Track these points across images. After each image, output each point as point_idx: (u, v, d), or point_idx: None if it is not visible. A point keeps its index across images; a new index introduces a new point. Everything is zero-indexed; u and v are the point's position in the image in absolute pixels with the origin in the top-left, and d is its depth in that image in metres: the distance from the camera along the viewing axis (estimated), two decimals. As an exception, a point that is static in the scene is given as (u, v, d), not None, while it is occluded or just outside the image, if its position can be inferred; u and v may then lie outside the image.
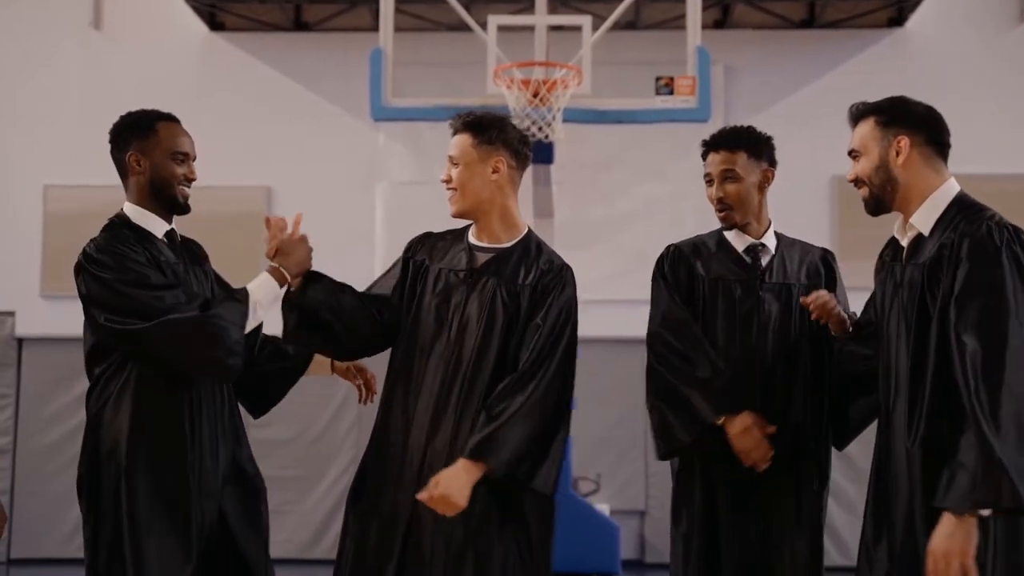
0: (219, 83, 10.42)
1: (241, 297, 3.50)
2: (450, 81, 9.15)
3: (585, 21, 7.75)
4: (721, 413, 3.62)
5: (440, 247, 3.62)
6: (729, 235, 3.88)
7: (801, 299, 3.66)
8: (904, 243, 3.29)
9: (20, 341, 10.51)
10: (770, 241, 3.89)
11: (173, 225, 3.66)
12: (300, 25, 10.81)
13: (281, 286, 3.53)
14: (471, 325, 3.44)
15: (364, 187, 10.31)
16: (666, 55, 8.78)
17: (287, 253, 3.53)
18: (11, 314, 10.50)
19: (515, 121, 7.47)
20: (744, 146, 3.86)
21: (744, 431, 3.60)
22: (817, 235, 10.29)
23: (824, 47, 10.64)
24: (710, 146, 3.88)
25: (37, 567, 10.12)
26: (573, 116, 7.59)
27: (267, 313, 3.58)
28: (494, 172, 3.52)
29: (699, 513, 3.73)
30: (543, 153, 7.90)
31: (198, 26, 10.67)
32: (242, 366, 3.45)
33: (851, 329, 3.68)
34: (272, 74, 10.46)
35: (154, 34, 10.70)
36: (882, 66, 10.45)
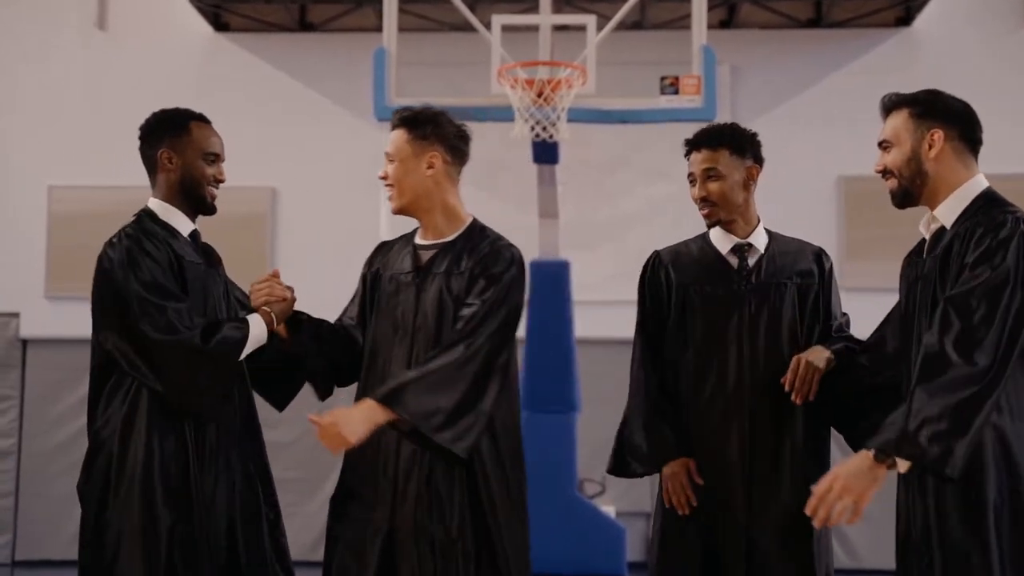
0: (223, 84, 10.40)
1: (242, 330, 3.48)
2: (454, 81, 9.12)
3: (590, 20, 7.71)
4: (651, 465, 3.67)
5: (392, 254, 3.64)
6: (715, 236, 3.80)
7: (782, 380, 3.54)
8: (927, 236, 3.28)
9: (24, 342, 10.49)
10: (759, 240, 3.78)
11: (196, 225, 3.67)
12: (305, 25, 10.79)
13: (267, 328, 3.52)
14: (424, 323, 3.44)
15: (369, 187, 10.20)
16: (672, 55, 8.73)
17: (276, 302, 3.54)
18: (15, 315, 10.48)
19: (519, 121, 7.49)
20: (726, 143, 3.78)
21: (671, 476, 3.63)
22: (823, 236, 10.28)
23: (831, 47, 10.59)
24: (692, 145, 3.81)
25: (41, 569, 10.10)
26: (578, 116, 7.55)
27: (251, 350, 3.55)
28: (429, 167, 3.52)
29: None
30: (548, 153, 7.86)
31: (202, 26, 10.65)
32: (221, 408, 3.48)
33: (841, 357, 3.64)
34: (277, 74, 10.43)
35: (158, 34, 10.68)
36: (889, 66, 10.40)
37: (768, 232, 3.83)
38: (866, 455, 2.92)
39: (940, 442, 2.84)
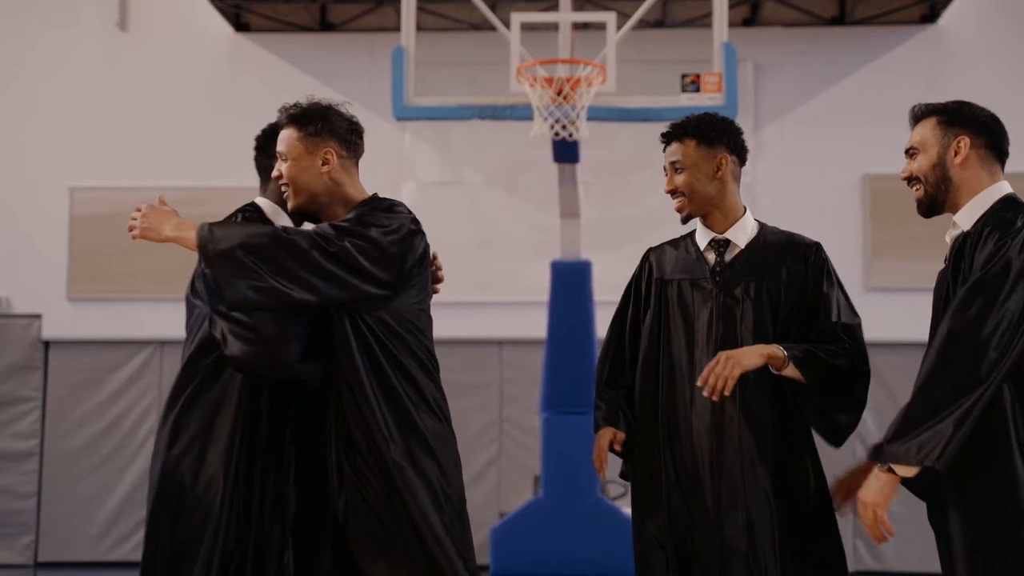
0: (244, 84, 10.39)
1: None
2: (476, 80, 9.08)
3: (610, 18, 7.63)
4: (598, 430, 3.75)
5: None
6: (698, 231, 3.71)
7: (701, 377, 3.42)
8: (948, 241, 3.27)
9: (47, 344, 10.50)
10: (738, 234, 3.64)
11: None
12: (325, 25, 10.78)
13: None
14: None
15: (391, 188, 10.15)
16: (694, 53, 8.67)
17: None
18: (37, 317, 10.49)
19: (539, 119, 7.42)
20: (693, 134, 3.66)
21: (597, 442, 3.74)
22: (848, 234, 10.28)
23: (855, 44, 10.50)
24: (663, 138, 3.73)
25: (64, 570, 10.11)
26: (598, 114, 7.48)
27: None
28: (324, 164, 3.44)
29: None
30: (568, 152, 7.79)
31: (223, 27, 10.64)
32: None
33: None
34: (297, 74, 10.41)
35: (179, 35, 10.68)
36: (914, 63, 10.31)
37: (760, 225, 3.70)
38: (873, 468, 3.04)
39: (933, 447, 2.91)
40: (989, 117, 3.29)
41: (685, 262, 3.68)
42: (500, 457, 10.31)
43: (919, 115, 3.33)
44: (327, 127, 3.46)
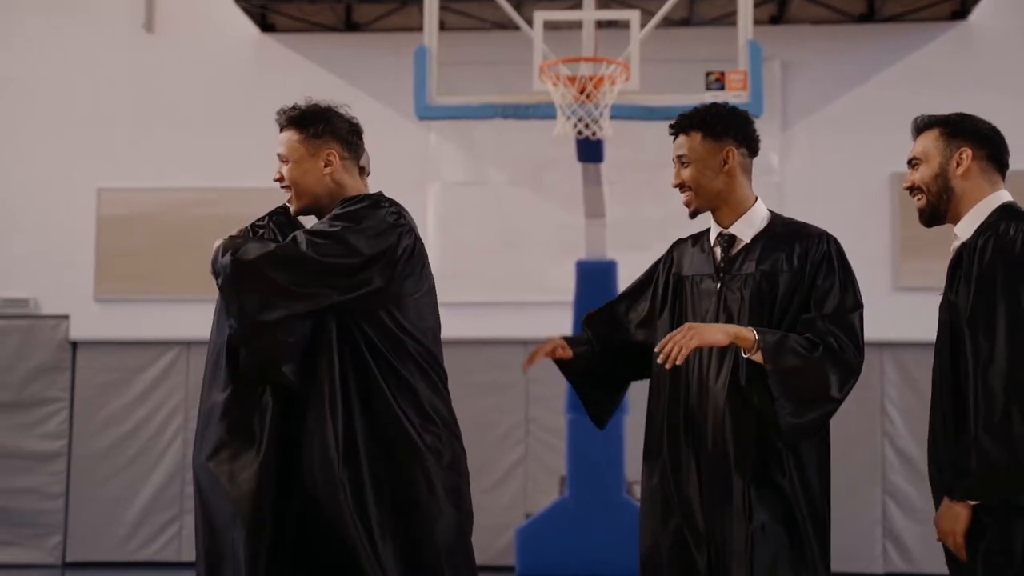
0: (270, 84, 10.38)
1: None
2: (503, 80, 9.05)
3: (633, 16, 7.59)
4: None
5: None
6: (711, 225, 3.61)
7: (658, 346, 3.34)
8: (952, 252, 3.30)
9: (74, 345, 10.54)
10: (743, 229, 3.53)
11: None
12: (350, 25, 10.77)
13: None
14: None
15: (416, 188, 10.20)
16: (720, 52, 8.61)
17: None
18: (65, 317, 10.53)
19: (561, 118, 7.38)
20: (698, 127, 3.53)
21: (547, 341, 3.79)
22: (876, 233, 10.19)
23: (884, 42, 10.40)
24: (670, 131, 3.62)
25: (91, 571, 10.15)
26: (621, 113, 7.43)
27: None
28: (327, 166, 3.42)
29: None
30: (592, 151, 7.75)
31: (249, 27, 10.66)
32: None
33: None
34: (323, 75, 10.40)
35: (205, 36, 10.70)
36: (945, 61, 10.21)
37: (771, 217, 3.57)
38: (946, 501, 3.16)
39: (1006, 479, 3.06)
40: (990, 129, 3.34)
41: (698, 258, 3.59)
42: (526, 458, 10.27)
43: (921, 126, 3.39)
44: (328, 128, 3.44)
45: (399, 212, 3.38)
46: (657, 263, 3.73)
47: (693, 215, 3.59)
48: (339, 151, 3.44)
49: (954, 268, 3.23)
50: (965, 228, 3.27)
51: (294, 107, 3.45)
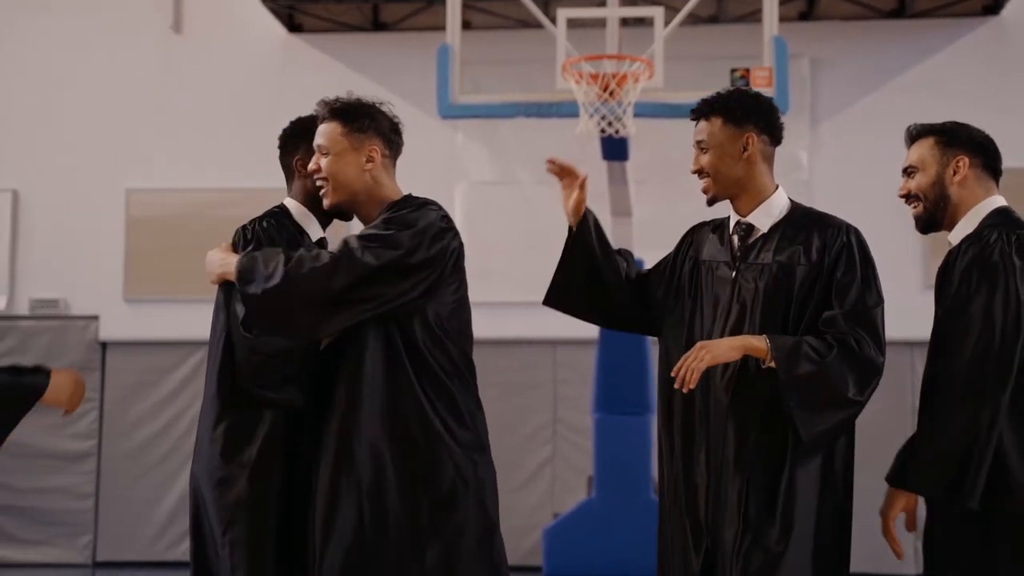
0: (298, 84, 10.37)
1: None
2: (531, 78, 9.03)
3: (657, 12, 7.54)
4: None
5: None
6: (731, 212, 3.53)
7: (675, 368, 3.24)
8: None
9: (104, 345, 10.59)
10: (761, 218, 3.43)
11: (326, 235, 3.58)
12: (378, 25, 10.77)
13: None
14: None
15: (443, 187, 10.18)
16: (747, 49, 8.53)
17: None
18: (95, 318, 10.58)
19: (584, 116, 7.32)
20: (719, 112, 3.43)
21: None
22: (906, 231, 9.92)
23: (915, 37, 10.30)
24: (690, 115, 3.53)
25: (122, 570, 10.19)
26: (645, 111, 7.38)
27: None
28: (368, 162, 3.38)
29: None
30: (616, 149, 7.71)
31: (276, 28, 10.68)
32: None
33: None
34: (350, 75, 10.39)
35: (233, 37, 10.73)
36: (977, 56, 10.10)
37: (791, 206, 3.47)
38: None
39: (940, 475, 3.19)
40: (985, 138, 3.42)
41: (715, 244, 3.52)
42: (554, 458, 10.24)
43: (915, 135, 3.46)
44: (373, 124, 3.41)
45: (447, 214, 3.38)
46: (675, 249, 3.66)
47: (711, 202, 3.51)
48: (381, 148, 3.42)
49: (941, 273, 3.29)
50: (957, 235, 3.34)
51: (337, 99, 3.42)
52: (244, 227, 3.43)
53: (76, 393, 3.29)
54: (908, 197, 3.44)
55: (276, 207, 3.53)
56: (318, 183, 3.40)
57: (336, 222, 3.57)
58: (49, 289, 10.61)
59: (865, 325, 3.26)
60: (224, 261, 3.30)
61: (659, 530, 3.52)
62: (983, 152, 3.39)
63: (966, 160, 3.36)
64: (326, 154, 3.38)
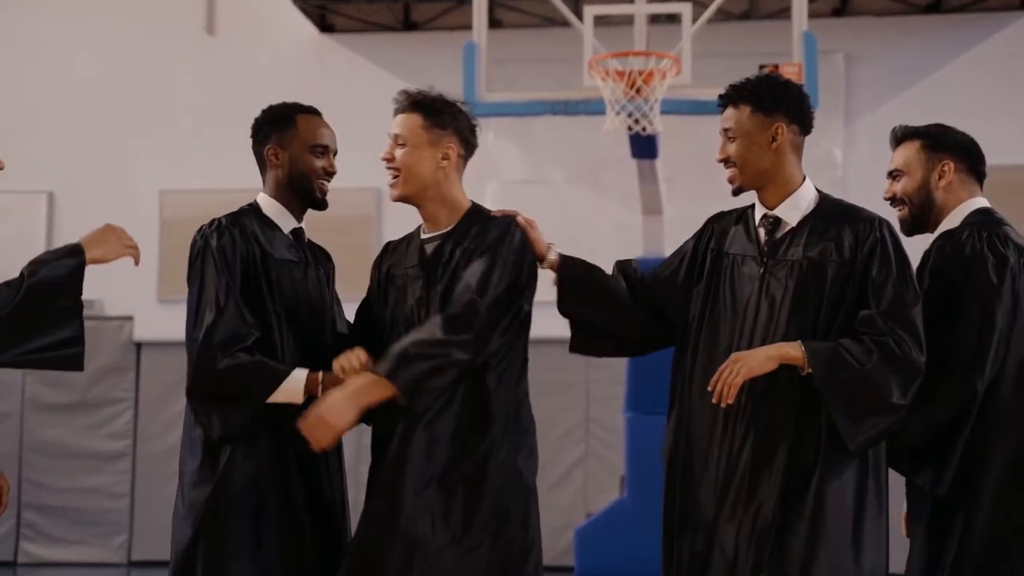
0: (330, 85, 10.40)
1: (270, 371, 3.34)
2: (562, 76, 9.00)
3: (685, 8, 7.48)
4: None
5: (399, 251, 3.47)
6: (756, 204, 3.37)
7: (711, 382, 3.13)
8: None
9: (138, 345, 10.65)
10: (790, 211, 3.28)
11: (303, 224, 3.54)
12: (409, 24, 10.78)
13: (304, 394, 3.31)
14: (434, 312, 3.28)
15: (475, 186, 9.95)
16: (778, 46, 8.47)
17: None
18: (129, 319, 10.65)
19: (611, 114, 7.26)
20: (748, 99, 3.28)
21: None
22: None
23: (951, 33, 10.19)
24: (718, 102, 3.40)
25: (157, 569, 10.23)
26: (673, 108, 7.32)
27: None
28: (444, 158, 3.33)
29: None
30: (645, 147, 7.65)
31: (308, 28, 10.70)
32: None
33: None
34: (382, 74, 10.41)
35: (265, 38, 10.78)
36: (1014, 51, 9.98)
37: (820, 198, 3.31)
38: None
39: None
40: (970, 142, 3.47)
41: (741, 237, 3.34)
42: (587, 458, 10.21)
43: (901, 137, 3.52)
44: (454, 122, 3.37)
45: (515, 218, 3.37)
46: (694, 238, 3.48)
47: (736, 192, 3.36)
48: (457, 147, 3.37)
49: (918, 272, 3.31)
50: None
51: (420, 92, 3.38)
52: (195, 238, 3.52)
53: (111, 240, 3.56)
54: (893, 200, 3.49)
55: (248, 205, 3.51)
56: (389, 172, 3.36)
57: (311, 212, 3.54)
58: (84, 290, 10.65)
59: (904, 324, 3.11)
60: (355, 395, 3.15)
61: (664, 545, 3.40)
62: (968, 156, 3.45)
63: (952, 164, 3.42)
64: (402, 144, 3.34)
